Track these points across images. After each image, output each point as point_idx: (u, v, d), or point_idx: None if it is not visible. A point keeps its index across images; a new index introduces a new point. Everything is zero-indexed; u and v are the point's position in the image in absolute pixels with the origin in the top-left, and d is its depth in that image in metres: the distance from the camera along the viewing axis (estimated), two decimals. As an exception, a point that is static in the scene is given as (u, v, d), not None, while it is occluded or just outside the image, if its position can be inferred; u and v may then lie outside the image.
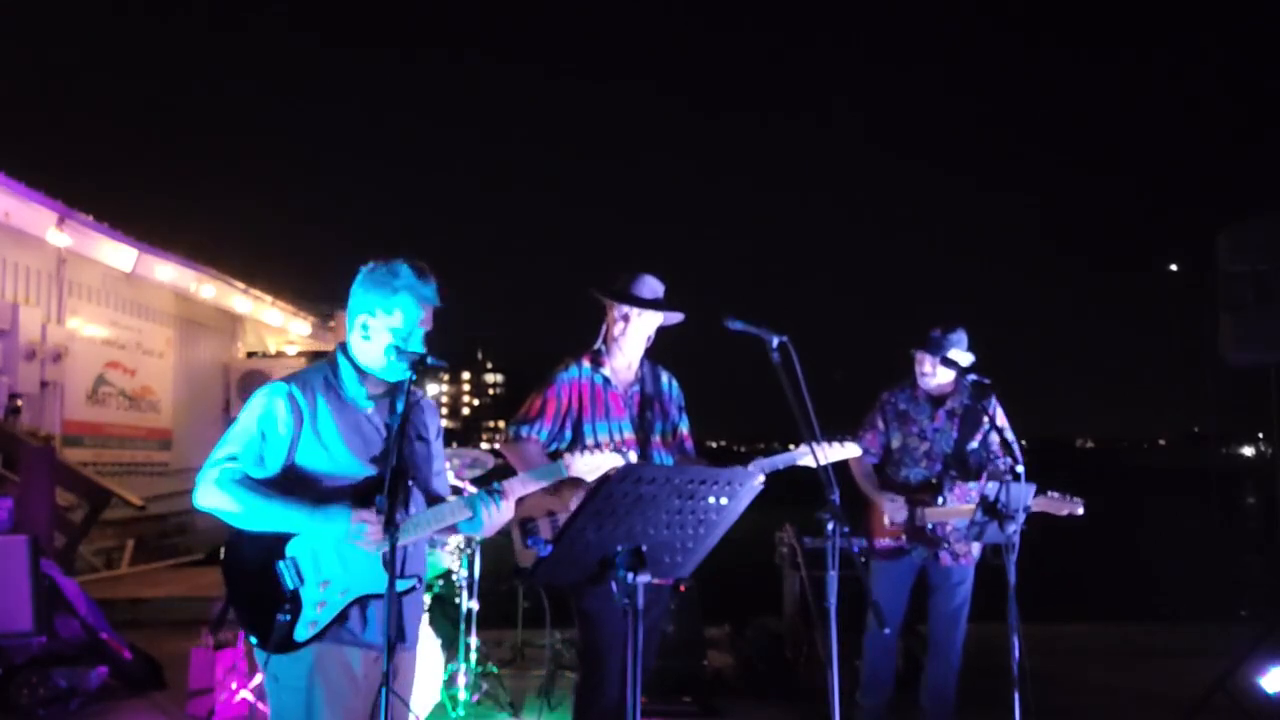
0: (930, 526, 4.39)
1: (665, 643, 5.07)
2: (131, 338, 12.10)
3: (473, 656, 5.25)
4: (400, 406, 2.50)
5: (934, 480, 4.46)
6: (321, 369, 2.71)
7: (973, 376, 4.10)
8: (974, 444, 4.51)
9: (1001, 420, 4.40)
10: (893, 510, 4.40)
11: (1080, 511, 4.22)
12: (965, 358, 4.44)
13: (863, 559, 4.54)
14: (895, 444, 4.59)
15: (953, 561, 4.43)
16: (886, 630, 4.32)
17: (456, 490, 5.24)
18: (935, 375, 4.51)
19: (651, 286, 3.68)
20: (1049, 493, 4.22)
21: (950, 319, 4.48)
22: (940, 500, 4.39)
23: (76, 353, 10.59)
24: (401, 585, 2.55)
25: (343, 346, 2.72)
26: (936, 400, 4.56)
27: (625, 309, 3.64)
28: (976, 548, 4.45)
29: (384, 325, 2.61)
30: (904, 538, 4.43)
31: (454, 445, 5.87)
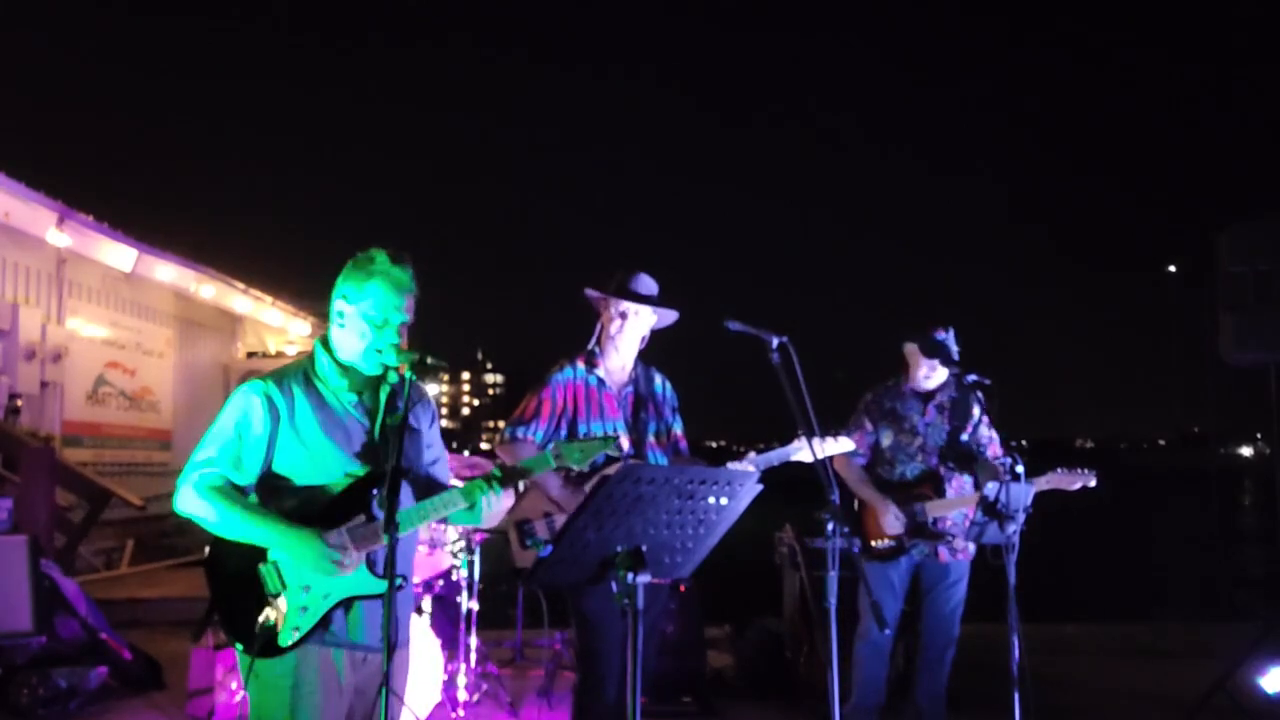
0: (932, 521, 4.38)
1: (665, 643, 5.07)
2: (131, 338, 12.09)
3: (473, 656, 5.25)
4: (401, 406, 2.43)
5: (933, 473, 4.46)
6: (301, 364, 2.64)
7: (972, 376, 4.10)
8: (964, 435, 4.52)
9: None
10: (892, 521, 4.38)
11: (1093, 483, 4.23)
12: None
13: (858, 561, 4.54)
14: (886, 442, 4.58)
15: (951, 557, 4.43)
16: (887, 631, 4.31)
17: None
18: (934, 378, 4.53)
19: (647, 284, 3.69)
20: (1057, 469, 4.24)
21: (939, 317, 4.47)
22: (944, 493, 4.40)
23: (76, 353, 10.59)
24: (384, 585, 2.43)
25: (323, 340, 2.65)
26: (925, 396, 4.57)
27: (622, 306, 3.64)
28: (972, 545, 4.45)
29: (357, 312, 2.54)
30: (904, 535, 4.40)
31: (453, 447, 5.86)
